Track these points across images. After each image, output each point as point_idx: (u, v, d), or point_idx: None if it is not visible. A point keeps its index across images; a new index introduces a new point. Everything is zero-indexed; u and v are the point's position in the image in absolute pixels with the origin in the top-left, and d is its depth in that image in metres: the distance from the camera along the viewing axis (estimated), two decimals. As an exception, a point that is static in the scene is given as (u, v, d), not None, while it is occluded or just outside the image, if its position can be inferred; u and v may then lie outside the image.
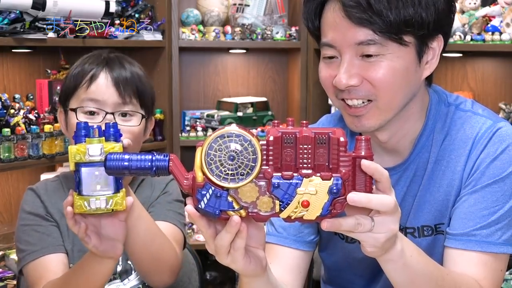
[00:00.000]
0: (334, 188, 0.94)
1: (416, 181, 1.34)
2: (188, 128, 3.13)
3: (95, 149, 1.11)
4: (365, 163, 0.95)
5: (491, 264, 1.25)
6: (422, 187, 1.33)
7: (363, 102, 1.24)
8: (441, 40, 1.27)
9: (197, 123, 3.14)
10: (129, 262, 1.56)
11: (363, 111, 1.24)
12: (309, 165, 0.94)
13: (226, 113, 3.13)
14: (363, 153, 0.96)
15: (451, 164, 1.31)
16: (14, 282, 2.48)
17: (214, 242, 1.00)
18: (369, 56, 1.21)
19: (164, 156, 0.98)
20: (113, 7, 2.72)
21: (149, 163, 0.97)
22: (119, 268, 1.55)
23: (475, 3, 2.91)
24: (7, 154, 2.46)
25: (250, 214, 0.96)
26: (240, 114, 3.12)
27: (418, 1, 1.18)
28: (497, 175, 1.26)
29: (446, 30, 1.28)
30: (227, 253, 1.00)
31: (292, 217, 0.95)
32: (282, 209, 0.95)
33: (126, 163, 0.97)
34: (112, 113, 1.48)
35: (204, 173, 0.94)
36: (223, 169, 0.93)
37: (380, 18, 1.17)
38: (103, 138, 1.13)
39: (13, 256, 2.57)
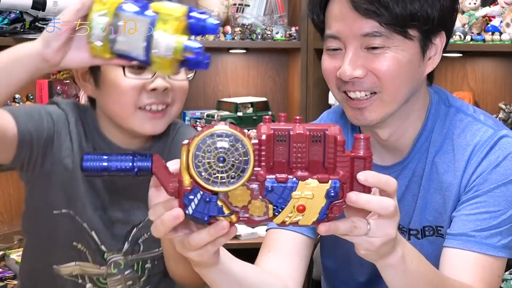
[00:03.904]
0: (332, 191, 0.88)
1: (416, 181, 1.33)
2: (188, 128, 3.13)
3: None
4: (361, 177, 0.89)
5: (488, 267, 1.24)
6: (422, 188, 1.32)
7: (366, 95, 1.23)
8: (443, 37, 1.28)
9: (197, 123, 3.14)
10: (139, 242, 1.45)
11: (366, 103, 1.23)
12: (303, 165, 0.89)
13: (226, 113, 3.13)
14: (361, 153, 0.90)
15: (450, 168, 1.30)
16: (14, 282, 2.48)
17: (187, 238, 0.92)
18: (374, 48, 1.21)
19: (146, 157, 0.91)
20: (113, 7, 2.72)
21: (130, 164, 0.90)
22: (125, 246, 1.44)
23: (475, 3, 2.91)
24: (7, 154, 2.46)
25: (241, 219, 0.90)
26: (240, 114, 3.12)
27: None
28: (499, 180, 1.26)
29: (449, 27, 1.28)
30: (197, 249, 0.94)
31: (287, 222, 0.89)
32: (276, 213, 0.89)
33: (105, 163, 0.90)
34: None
35: (191, 176, 0.87)
36: (212, 172, 0.86)
37: (386, 10, 1.17)
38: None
39: (13, 256, 2.58)
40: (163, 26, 0.90)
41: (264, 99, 3.27)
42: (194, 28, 0.93)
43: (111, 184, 1.40)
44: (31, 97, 2.74)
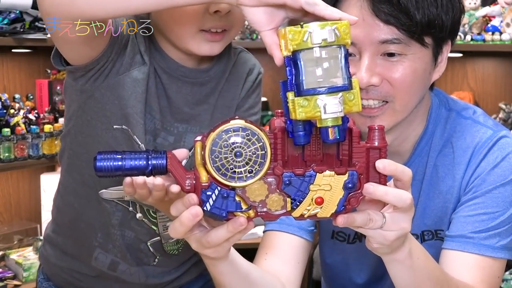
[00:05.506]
0: (350, 183, 0.88)
1: (416, 185, 1.31)
2: (188, 128, 3.13)
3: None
4: (379, 165, 0.90)
5: (488, 268, 1.23)
6: (423, 192, 1.31)
7: (378, 103, 1.22)
8: (449, 45, 1.27)
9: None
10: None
11: (378, 112, 1.22)
12: (317, 157, 0.88)
13: (226, 113, 3.13)
14: (376, 144, 0.89)
15: (450, 171, 1.30)
16: (14, 282, 2.48)
17: (205, 237, 0.92)
18: (390, 55, 1.19)
19: (161, 154, 0.89)
20: (113, 7, 2.72)
21: (145, 162, 0.88)
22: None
23: (475, 3, 2.92)
24: (7, 154, 2.47)
25: (259, 214, 0.89)
26: (240, 114, 3.13)
27: (440, 3, 1.18)
28: (498, 181, 1.25)
29: (455, 36, 1.28)
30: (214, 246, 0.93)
31: (305, 216, 0.89)
32: (294, 207, 0.88)
33: (119, 163, 0.88)
34: None
35: (208, 172, 0.86)
36: (229, 167, 0.86)
37: (407, 17, 1.16)
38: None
39: (13, 256, 2.58)
40: (346, 97, 0.85)
41: (264, 99, 3.27)
42: (344, 121, 0.89)
43: (168, 105, 1.35)
44: (31, 97, 2.74)
